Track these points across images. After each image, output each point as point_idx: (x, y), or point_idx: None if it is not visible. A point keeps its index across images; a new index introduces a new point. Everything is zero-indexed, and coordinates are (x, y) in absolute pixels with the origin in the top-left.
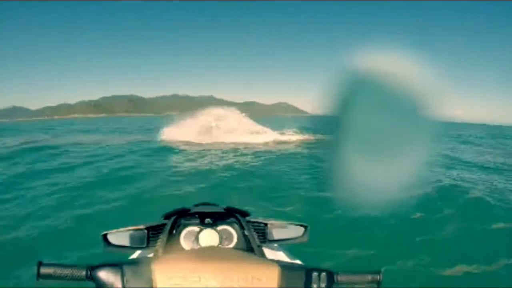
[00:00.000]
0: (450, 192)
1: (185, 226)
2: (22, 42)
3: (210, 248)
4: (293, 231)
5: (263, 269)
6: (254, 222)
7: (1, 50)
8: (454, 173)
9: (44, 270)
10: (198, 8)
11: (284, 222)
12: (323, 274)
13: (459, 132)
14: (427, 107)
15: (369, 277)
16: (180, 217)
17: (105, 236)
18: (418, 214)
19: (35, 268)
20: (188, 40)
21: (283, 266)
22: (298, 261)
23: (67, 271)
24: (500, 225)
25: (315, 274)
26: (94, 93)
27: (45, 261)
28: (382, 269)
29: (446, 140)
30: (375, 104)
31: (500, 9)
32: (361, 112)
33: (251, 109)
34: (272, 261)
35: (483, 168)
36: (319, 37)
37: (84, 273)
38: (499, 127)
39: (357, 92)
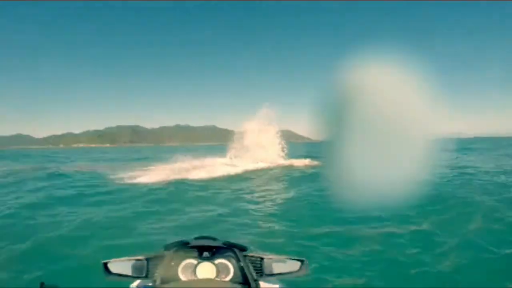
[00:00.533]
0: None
1: (184, 258)
2: (29, 68)
3: (205, 280)
4: (290, 266)
5: None
6: (251, 256)
7: (6, 76)
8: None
9: None
10: (199, 36)
11: (281, 257)
12: None
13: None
14: (425, 123)
15: None
16: (179, 249)
17: (105, 264)
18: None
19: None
20: (188, 71)
21: None
22: None
23: None
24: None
25: None
26: (99, 123)
27: (47, 282)
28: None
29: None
30: (367, 123)
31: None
32: (353, 135)
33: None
34: None
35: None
36: (312, 57)
37: None
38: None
39: (348, 115)
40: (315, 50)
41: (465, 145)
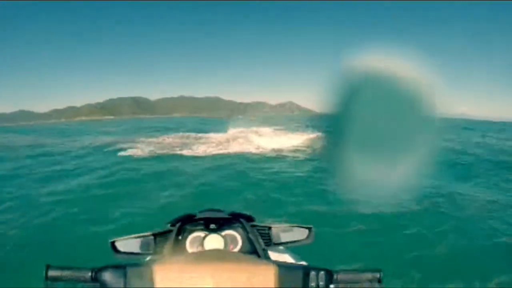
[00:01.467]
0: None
1: (191, 231)
2: (27, 45)
3: (211, 251)
4: (298, 234)
5: (260, 269)
6: (258, 226)
7: (5, 54)
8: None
9: (51, 273)
10: (204, 8)
11: (288, 225)
12: (322, 273)
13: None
14: (431, 104)
15: (369, 276)
16: (185, 223)
17: (113, 243)
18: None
19: (43, 271)
20: (193, 41)
21: (280, 266)
22: (303, 263)
23: (73, 274)
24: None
25: (313, 273)
26: (100, 96)
27: (53, 264)
28: (382, 268)
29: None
30: (376, 102)
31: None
32: (361, 110)
33: (259, 109)
34: (271, 261)
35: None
36: (323, 35)
37: (89, 275)
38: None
39: (358, 91)
40: (324, 20)
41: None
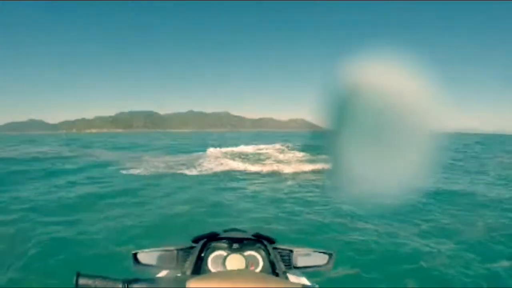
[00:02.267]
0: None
1: (214, 250)
2: (41, 55)
3: (239, 271)
4: (318, 259)
5: None
6: (280, 248)
7: (18, 62)
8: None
9: (82, 281)
10: (216, 26)
11: (309, 250)
12: None
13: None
14: (430, 118)
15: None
16: (209, 241)
17: (135, 254)
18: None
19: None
20: (203, 58)
21: None
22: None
23: (104, 283)
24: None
25: None
26: (111, 109)
27: (82, 272)
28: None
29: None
30: (370, 117)
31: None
32: (354, 125)
33: (266, 125)
34: (296, 284)
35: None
36: (340, 53)
37: (120, 286)
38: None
39: (351, 105)
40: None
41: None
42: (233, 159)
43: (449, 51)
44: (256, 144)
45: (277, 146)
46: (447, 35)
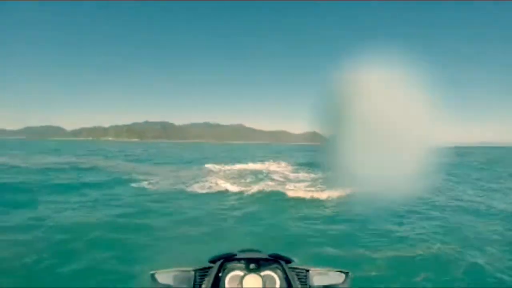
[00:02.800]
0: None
1: (231, 270)
2: (59, 62)
3: None
4: (335, 278)
5: None
6: (296, 268)
7: (36, 69)
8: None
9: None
10: (234, 39)
11: (325, 269)
12: None
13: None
14: (422, 131)
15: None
16: (226, 261)
17: (153, 275)
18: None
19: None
20: (219, 70)
21: None
22: None
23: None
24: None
25: None
26: (127, 118)
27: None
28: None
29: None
30: (366, 125)
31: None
32: (352, 132)
33: (280, 138)
34: None
35: None
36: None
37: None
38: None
39: (346, 118)
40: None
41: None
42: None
43: (450, 51)
44: (250, 162)
45: (268, 164)
46: (447, 36)
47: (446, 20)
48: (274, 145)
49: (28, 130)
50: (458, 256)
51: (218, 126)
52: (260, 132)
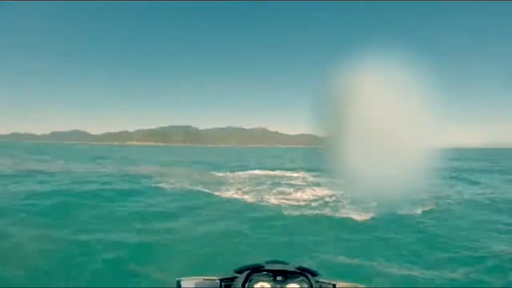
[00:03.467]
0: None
1: (257, 281)
2: (86, 68)
3: None
4: None
5: None
6: (323, 282)
7: (65, 76)
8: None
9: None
10: (257, 45)
11: (352, 284)
12: None
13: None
14: (422, 133)
15: None
16: (252, 272)
17: (179, 282)
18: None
19: None
20: (244, 76)
21: None
22: None
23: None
24: None
25: None
26: (152, 122)
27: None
28: None
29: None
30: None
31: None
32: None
33: (302, 141)
34: None
35: None
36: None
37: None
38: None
39: (345, 120)
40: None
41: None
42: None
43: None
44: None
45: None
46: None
47: (445, 20)
48: (295, 149)
49: (55, 135)
50: None
51: (241, 129)
52: (286, 136)
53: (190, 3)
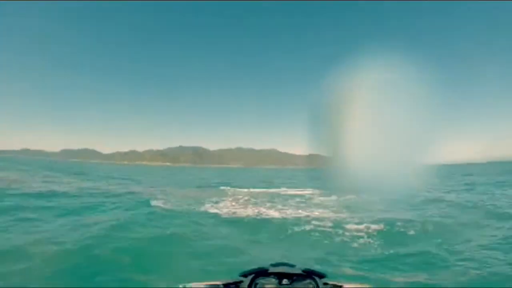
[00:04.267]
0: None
1: (263, 285)
2: (96, 88)
3: None
4: None
5: None
6: (330, 284)
7: (77, 95)
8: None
9: None
10: (266, 67)
11: (360, 284)
12: None
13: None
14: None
15: None
16: (258, 276)
17: None
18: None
19: None
20: (252, 94)
21: None
22: None
23: None
24: None
25: None
26: (161, 143)
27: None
28: None
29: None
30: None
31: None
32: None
33: (314, 162)
34: None
35: None
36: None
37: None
38: None
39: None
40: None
41: None
42: None
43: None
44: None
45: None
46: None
47: (446, 20)
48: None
49: (64, 152)
50: None
51: (251, 150)
52: (294, 156)
53: (204, 21)
